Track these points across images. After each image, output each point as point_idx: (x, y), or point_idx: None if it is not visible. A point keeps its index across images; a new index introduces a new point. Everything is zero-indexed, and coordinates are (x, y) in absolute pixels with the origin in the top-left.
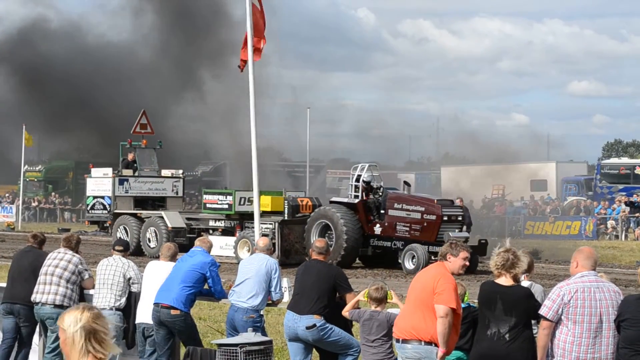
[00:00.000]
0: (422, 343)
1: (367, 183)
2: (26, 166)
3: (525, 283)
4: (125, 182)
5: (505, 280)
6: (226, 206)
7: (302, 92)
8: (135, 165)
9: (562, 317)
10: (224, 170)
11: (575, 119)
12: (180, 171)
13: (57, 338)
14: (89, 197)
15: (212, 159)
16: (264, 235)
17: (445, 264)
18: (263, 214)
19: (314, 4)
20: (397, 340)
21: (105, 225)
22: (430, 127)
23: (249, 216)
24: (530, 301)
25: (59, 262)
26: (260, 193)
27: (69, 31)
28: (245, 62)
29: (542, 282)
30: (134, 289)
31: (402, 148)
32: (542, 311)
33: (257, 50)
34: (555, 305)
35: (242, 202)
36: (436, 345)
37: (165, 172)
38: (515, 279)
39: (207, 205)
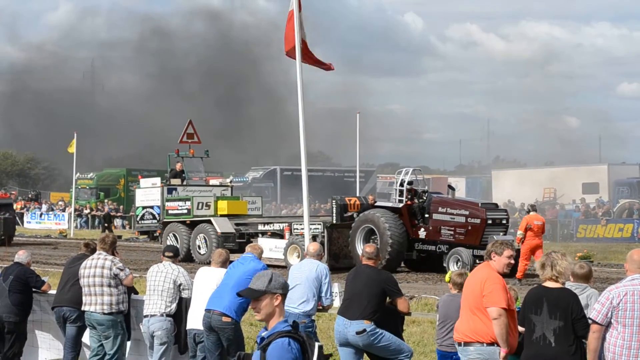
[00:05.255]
0: (484, 345)
1: (410, 183)
2: (78, 174)
3: (575, 286)
4: (174, 191)
5: (551, 284)
6: (185, 211)
7: (351, 97)
8: (183, 175)
9: (612, 320)
10: (275, 176)
11: (626, 121)
12: (228, 180)
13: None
14: (138, 207)
15: (263, 165)
16: (314, 236)
17: (490, 263)
18: (221, 216)
19: (362, 9)
20: (459, 344)
21: (155, 234)
22: (481, 130)
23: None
24: (574, 303)
25: (94, 270)
26: (217, 198)
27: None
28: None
29: (595, 286)
30: (184, 294)
31: (453, 152)
32: (592, 315)
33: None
34: (605, 309)
35: (199, 207)
36: (498, 346)
37: (213, 182)
38: (561, 282)
39: (169, 212)
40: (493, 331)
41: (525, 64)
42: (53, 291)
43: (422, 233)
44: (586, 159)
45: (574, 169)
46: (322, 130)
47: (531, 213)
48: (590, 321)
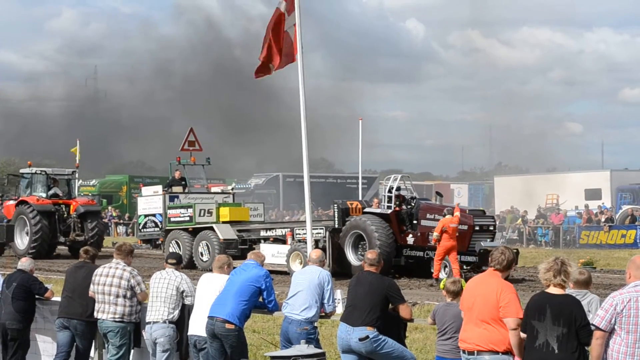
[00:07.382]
0: (500, 354)
1: (398, 190)
2: (80, 181)
3: (576, 292)
4: (176, 199)
5: (554, 290)
6: (188, 218)
7: (353, 103)
8: (183, 182)
9: (616, 326)
10: (277, 182)
11: (628, 126)
12: (230, 187)
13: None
14: (140, 215)
15: (265, 171)
16: (316, 241)
17: (496, 271)
18: (224, 223)
19: (363, 15)
20: (472, 353)
21: (157, 242)
22: (483, 137)
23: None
24: (577, 310)
25: (111, 279)
26: (219, 205)
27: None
28: (264, 68)
29: (597, 292)
30: (187, 301)
31: (455, 158)
32: (595, 321)
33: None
34: (608, 315)
35: (201, 214)
36: (512, 354)
37: (215, 189)
38: (563, 287)
39: (171, 220)
40: (508, 340)
41: (527, 70)
42: (56, 298)
43: (410, 239)
44: (588, 165)
45: (577, 175)
46: (324, 137)
47: (447, 216)
48: (593, 327)
